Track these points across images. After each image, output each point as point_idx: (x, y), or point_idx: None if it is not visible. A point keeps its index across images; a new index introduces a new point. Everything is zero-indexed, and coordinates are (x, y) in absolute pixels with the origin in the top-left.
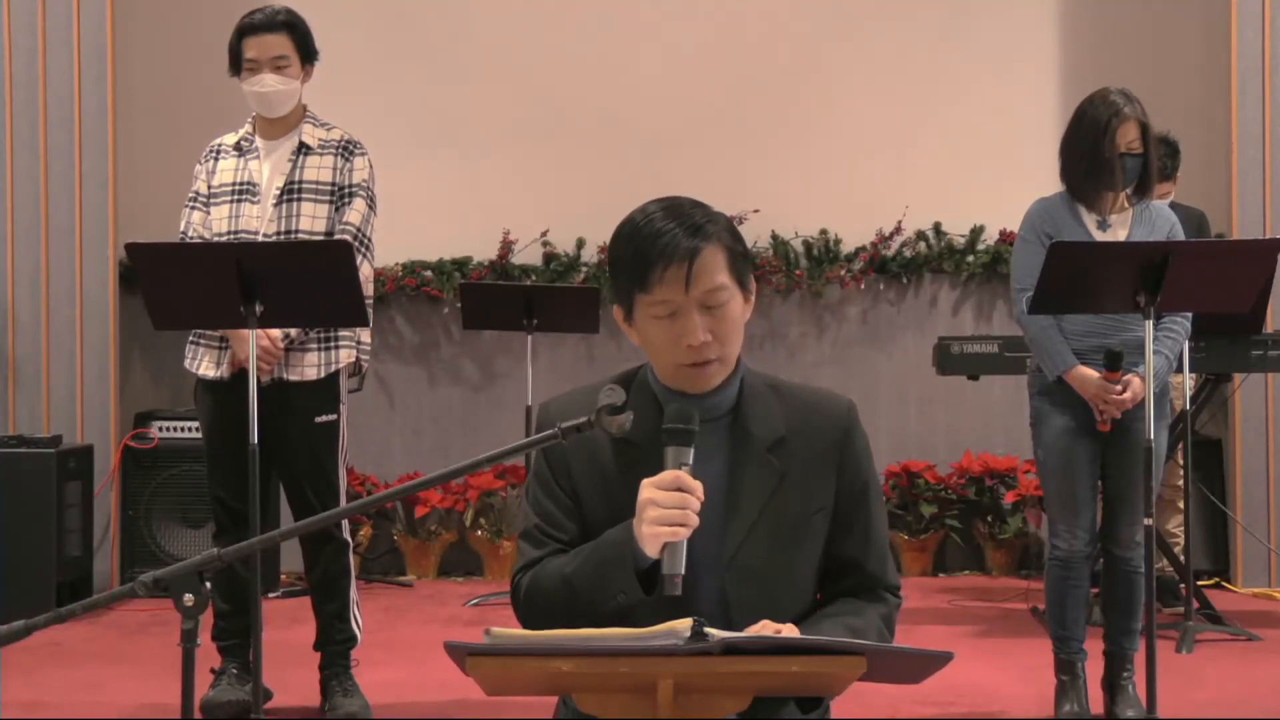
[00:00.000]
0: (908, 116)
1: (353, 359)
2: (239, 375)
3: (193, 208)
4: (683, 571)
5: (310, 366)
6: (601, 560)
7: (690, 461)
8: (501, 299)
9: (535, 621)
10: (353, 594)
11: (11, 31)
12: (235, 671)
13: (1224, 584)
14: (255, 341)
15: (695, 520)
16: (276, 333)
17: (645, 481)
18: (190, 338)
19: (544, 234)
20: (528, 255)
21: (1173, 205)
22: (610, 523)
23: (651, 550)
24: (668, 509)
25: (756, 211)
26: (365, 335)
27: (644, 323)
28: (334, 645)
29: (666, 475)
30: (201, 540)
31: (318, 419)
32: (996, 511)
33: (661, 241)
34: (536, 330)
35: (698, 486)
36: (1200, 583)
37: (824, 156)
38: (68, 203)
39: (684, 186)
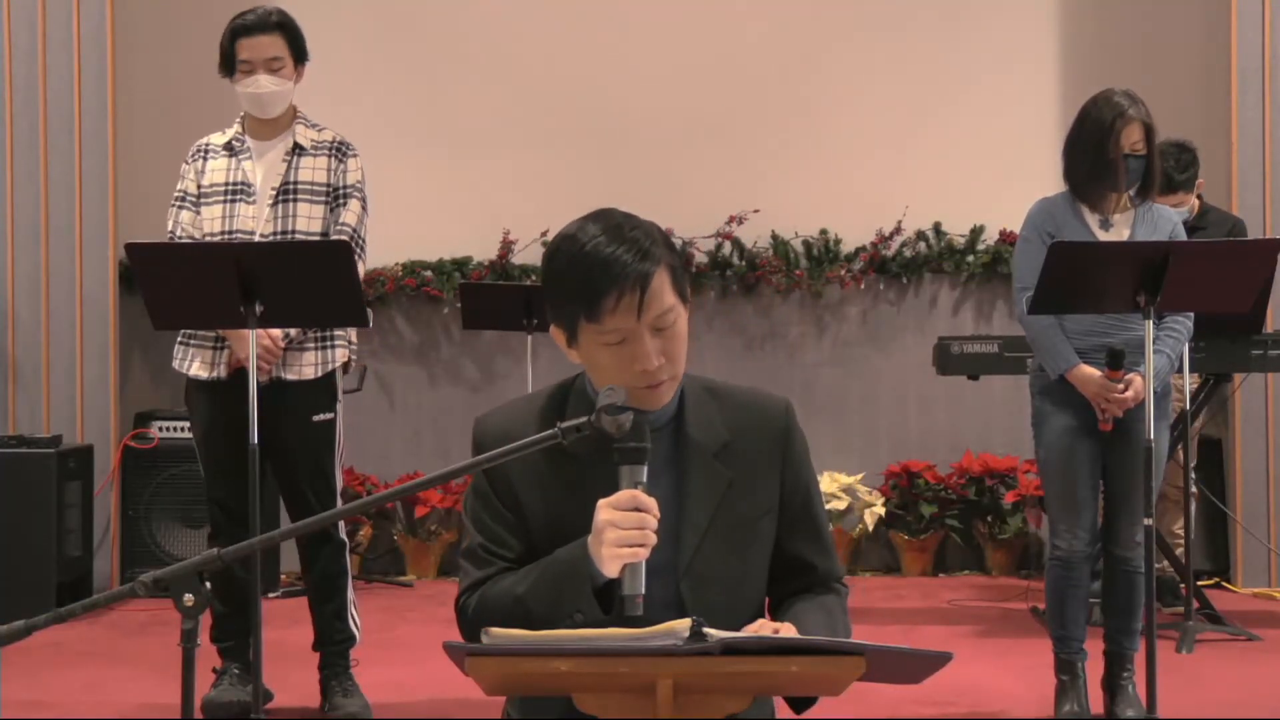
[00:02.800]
0: (908, 116)
1: (347, 358)
2: (237, 375)
3: (181, 207)
4: (643, 591)
5: (308, 366)
6: (556, 579)
7: (645, 479)
8: (501, 299)
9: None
10: (350, 594)
11: (11, 31)
12: (237, 672)
13: (1224, 584)
14: (255, 342)
15: (654, 539)
16: (277, 332)
17: (602, 502)
18: (179, 338)
19: (544, 234)
20: (528, 255)
21: (1206, 209)
22: (553, 537)
23: (611, 571)
24: (627, 530)
25: (756, 211)
26: (353, 333)
27: (592, 349)
28: (333, 645)
29: (623, 495)
30: (202, 540)
31: (315, 418)
32: (996, 511)
33: (612, 271)
34: (536, 330)
35: (653, 504)
36: (1200, 583)
37: (824, 156)
38: (68, 203)
39: (684, 186)
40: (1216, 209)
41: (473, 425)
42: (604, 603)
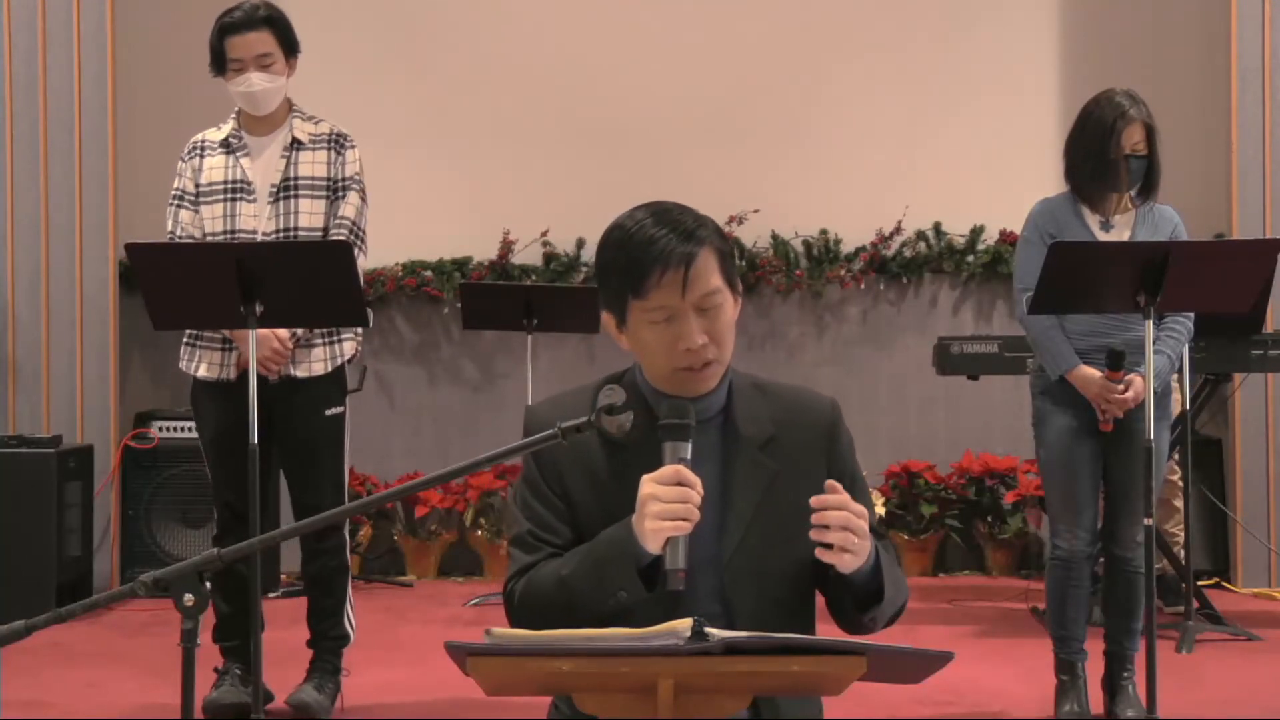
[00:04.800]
0: (908, 117)
1: (356, 350)
2: (245, 375)
3: (180, 206)
4: (685, 566)
5: (318, 361)
6: (599, 559)
7: (688, 456)
8: (501, 299)
9: (532, 627)
10: (349, 592)
11: (11, 31)
12: (239, 672)
13: (1224, 584)
14: (255, 342)
15: (697, 515)
16: (285, 332)
17: (645, 477)
18: (185, 339)
19: (544, 234)
20: (528, 255)
21: None
22: (604, 525)
23: (653, 546)
24: (669, 503)
25: (756, 211)
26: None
27: (639, 329)
28: (326, 641)
29: (667, 470)
30: (201, 540)
31: (328, 411)
32: (996, 511)
33: (656, 248)
34: (536, 330)
35: (697, 481)
36: (1200, 583)
37: (824, 157)
38: (68, 203)
39: (684, 186)
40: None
41: (524, 414)
42: (649, 583)
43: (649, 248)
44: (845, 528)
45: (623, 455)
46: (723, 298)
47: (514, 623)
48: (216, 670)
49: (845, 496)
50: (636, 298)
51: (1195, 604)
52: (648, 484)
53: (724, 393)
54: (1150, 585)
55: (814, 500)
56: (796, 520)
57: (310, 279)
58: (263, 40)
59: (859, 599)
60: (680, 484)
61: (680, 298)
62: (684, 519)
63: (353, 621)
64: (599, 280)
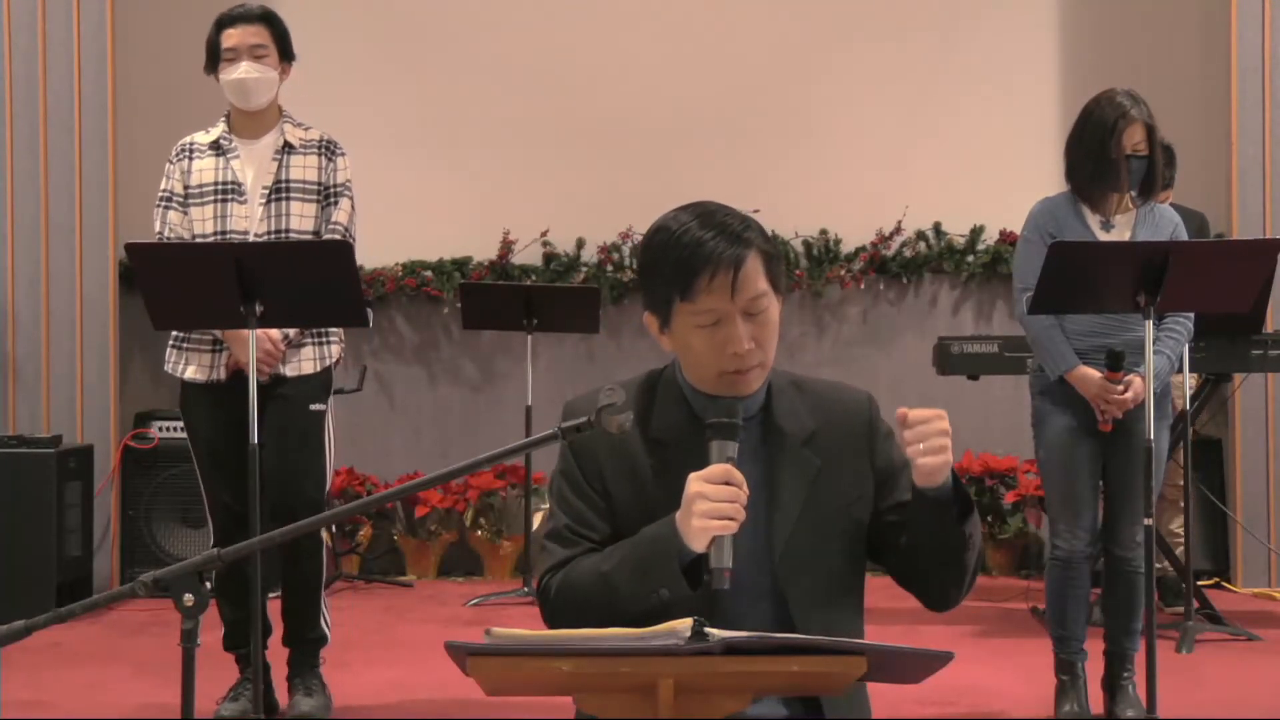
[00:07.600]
0: (908, 116)
1: (340, 355)
2: (235, 376)
3: (168, 208)
4: (730, 565)
5: (307, 361)
6: (642, 556)
7: (735, 455)
8: (501, 299)
9: (568, 622)
10: (324, 593)
11: (11, 31)
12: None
13: (1224, 584)
14: (255, 343)
15: (743, 514)
16: (277, 334)
17: (693, 475)
18: (171, 341)
19: (544, 234)
20: (528, 255)
21: (1171, 205)
22: (642, 521)
23: (699, 544)
24: (717, 502)
25: (756, 211)
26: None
27: (684, 331)
28: (304, 643)
29: (715, 469)
30: (201, 540)
31: (311, 407)
32: (996, 511)
33: (705, 250)
34: (536, 330)
35: (744, 480)
36: (1200, 583)
37: (824, 156)
38: (68, 203)
39: (684, 186)
40: (1181, 205)
41: (563, 406)
42: (691, 581)
43: (697, 250)
44: (944, 432)
45: (663, 452)
46: (769, 300)
47: (548, 616)
48: (240, 671)
49: (924, 411)
50: (684, 300)
51: (1195, 604)
52: (695, 482)
53: (764, 391)
54: (1150, 585)
55: (909, 416)
56: (841, 513)
57: (310, 279)
58: (257, 33)
59: (947, 531)
60: (728, 483)
61: (729, 301)
62: (731, 518)
63: (328, 621)
64: (642, 282)
